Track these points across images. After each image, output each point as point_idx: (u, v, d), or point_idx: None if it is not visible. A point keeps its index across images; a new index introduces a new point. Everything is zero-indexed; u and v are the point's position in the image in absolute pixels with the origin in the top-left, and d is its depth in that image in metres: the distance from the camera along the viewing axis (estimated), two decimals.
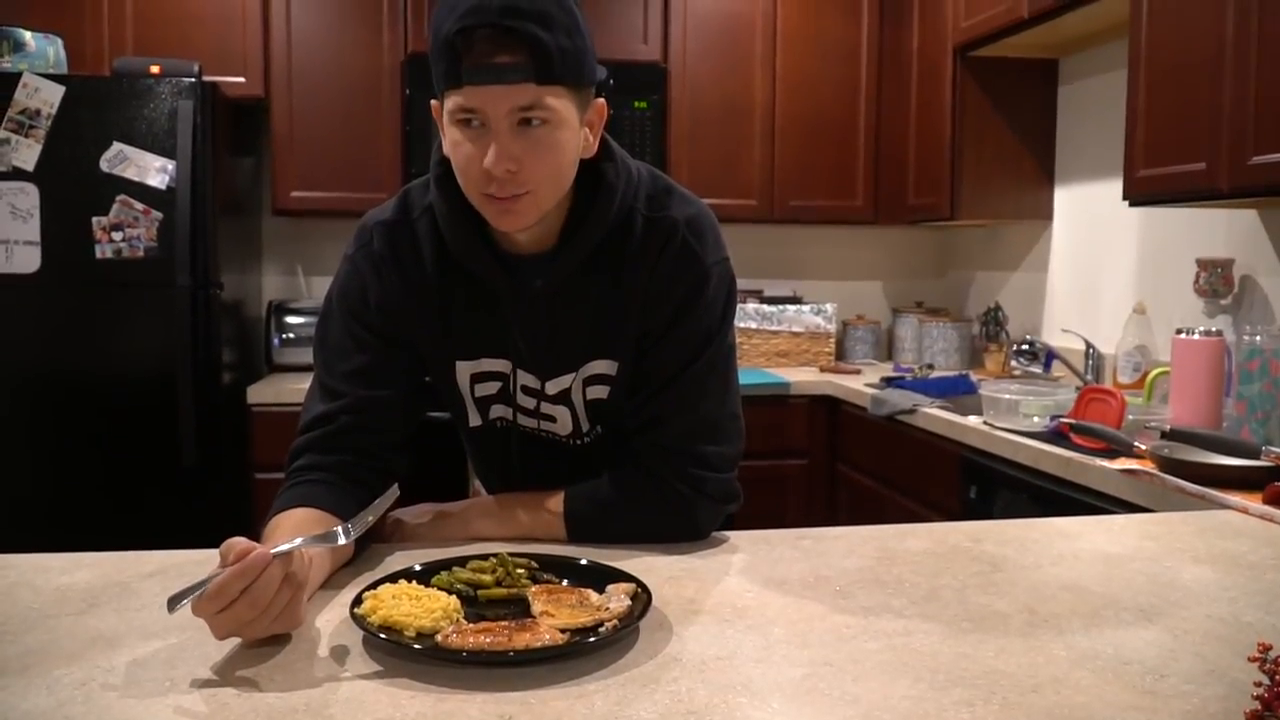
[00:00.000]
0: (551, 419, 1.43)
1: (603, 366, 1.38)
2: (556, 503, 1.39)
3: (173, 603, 0.95)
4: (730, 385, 1.43)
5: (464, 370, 1.40)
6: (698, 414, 1.38)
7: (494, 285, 1.33)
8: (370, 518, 1.15)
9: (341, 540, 1.10)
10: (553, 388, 1.39)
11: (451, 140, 1.22)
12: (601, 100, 1.29)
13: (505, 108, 1.17)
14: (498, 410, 1.44)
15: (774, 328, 4.08)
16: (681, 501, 1.37)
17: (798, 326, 4.10)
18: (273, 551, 0.98)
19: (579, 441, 1.45)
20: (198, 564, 1.26)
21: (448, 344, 1.39)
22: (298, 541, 1.03)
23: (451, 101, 1.19)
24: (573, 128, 1.23)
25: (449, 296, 1.36)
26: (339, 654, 0.98)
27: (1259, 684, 0.86)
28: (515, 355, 1.38)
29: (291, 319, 3.74)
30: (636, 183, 1.36)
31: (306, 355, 3.64)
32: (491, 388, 1.41)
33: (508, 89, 1.16)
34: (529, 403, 1.42)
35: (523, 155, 1.19)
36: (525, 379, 1.40)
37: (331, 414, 1.35)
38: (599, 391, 1.40)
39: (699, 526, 1.39)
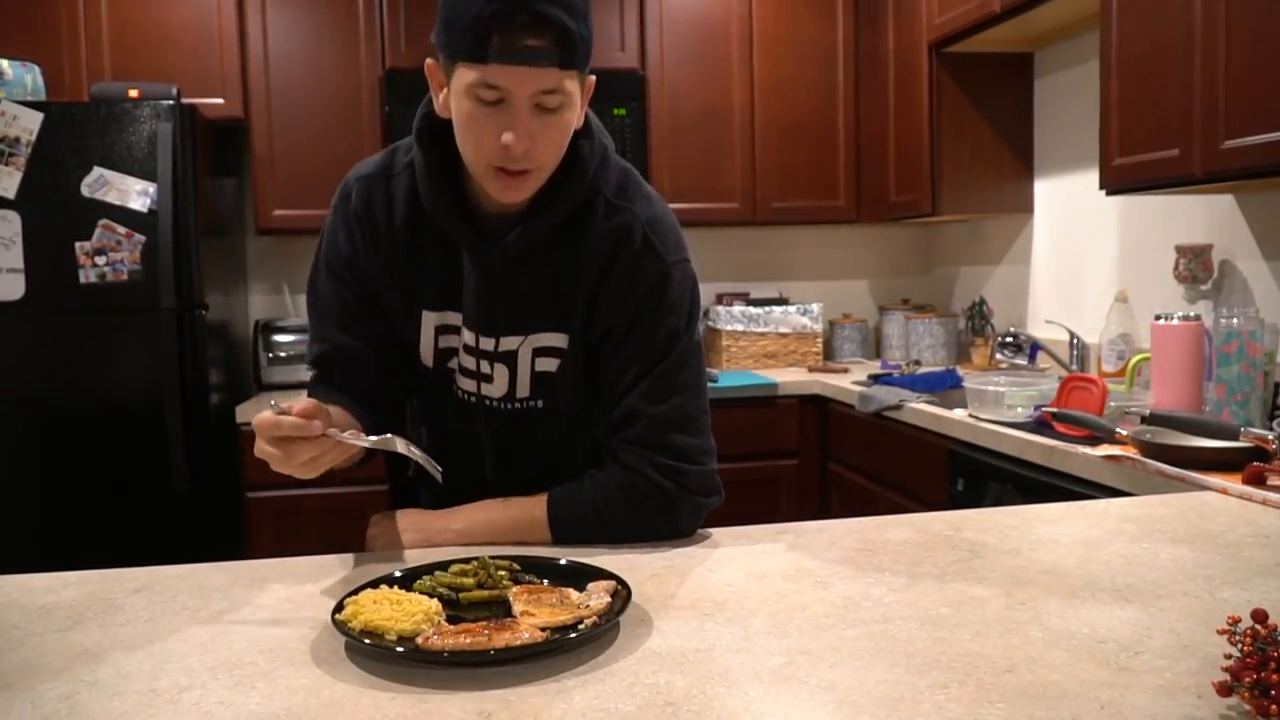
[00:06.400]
0: (489, 379, 1.46)
1: (553, 339, 1.43)
2: (540, 507, 1.40)
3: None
4: (700, 382, 1.45)
5: (429, 320, 1.46)
6: (670, 408, 1.40)
7: (460, 242, 1.39)
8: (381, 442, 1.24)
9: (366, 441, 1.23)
10: (498, 346, 1.43)
11: (464, 112, 1.26)
12: (593, 77, 1.34)
13: (529, 89, 1.23)
14: (454, 363, 1.49)
15: (761, 329, 4.09)
16: (662, 494, 1.38)
17: (784, 327, 4.11)
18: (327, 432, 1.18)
19: (510, 405, 1.47)
20: (182, 579, 1.27)
21: (415, 294, 1.45)
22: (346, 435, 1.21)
23: (473, 75, 1.23)
24: (577, 108, 1.30)
25: (419, 251, 1.42)
26: (321, 660, 0.99)
27: (1229, 655, 0.87)
28: (467, 313, 1.43)
29: (279, 337, 3.75)
30: (610, 164, 1.42)
31: (296, 373, 3.66)
32: (454, 341, 1.47)
33: (534, 71, 1.22)
34: (470, 362, 1.46)
35: (538, 134, 1.26)
36: (468, 337, 1.44)
37: (320, 358, 1.48)
38: (548, 364, 1.44)
39: (680, 521, 1.40)
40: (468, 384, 1.49)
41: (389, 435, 1.25)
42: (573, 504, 1.40)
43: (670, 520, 1.40)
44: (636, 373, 1.40)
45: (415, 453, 1.25)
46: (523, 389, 1.46)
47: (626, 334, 1.40)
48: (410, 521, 1.44)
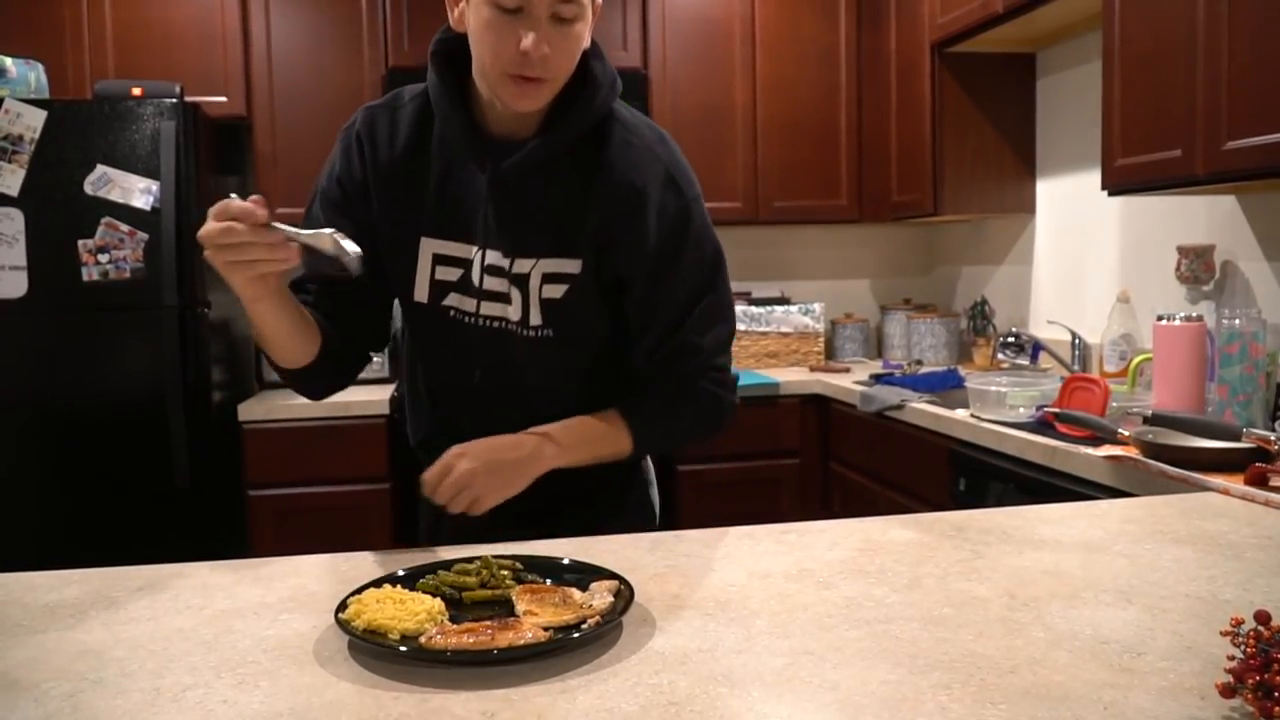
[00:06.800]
0: (507, 299, 1.47)
1: (564, 265, 1.44)
2: (617, 424, 1.48)
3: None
4: (731, 310, 1.56)
5: (427, 248, 1.47)
6: (714, 336, 1.52)
7: (473, 159, 1.42)
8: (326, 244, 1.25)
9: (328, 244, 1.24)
10: (512, 267, 1.45)
11: (483, 19, 1.31)
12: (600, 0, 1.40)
13: None
14: (453, 300, 1.49)
15: (763, 329, 4.09)
16: (717, 403, 1.55)
17: (786, 327, 4.11)
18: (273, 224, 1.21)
19: (527, 332, 1.48)
20: (185, 577, 1.27)
21: (414, 220, 1.46)
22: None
23: None
24: (589, 21, 1.36)
25: (421, 175, 1.45)
26: (324, 659, 0.99)
27: (1231, 657, 0.87)
28: (482, 234, 1.44)
29: None
30: (617, 93, 1.46)
31: None
32: (452, 274, 1.47)
33: None
34: (491, 283, 1.46)
35: (554, 42, 1.31)
36: (491, 257, 1.45)
37: (298, 280, 1.51)
38: (554, 291, 1.45)
39: (725, 421, 1.58)
40: (486, 308, 1.48)
41: (324, 231, 1.26)
42: (648, 419, 1.51)
43: (720, 423, 1.57)
44: (682, 306, 1.48)
45: (344, 245, 1.25)
46: (535, 316, 1.47)
47: (661, 271, 1.46)
48: (505, 453, 1.40)
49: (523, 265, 1.44)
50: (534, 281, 1.45)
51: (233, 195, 1.22)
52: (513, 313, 1.47)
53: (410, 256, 1.47)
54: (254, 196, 1.22)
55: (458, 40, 1.42)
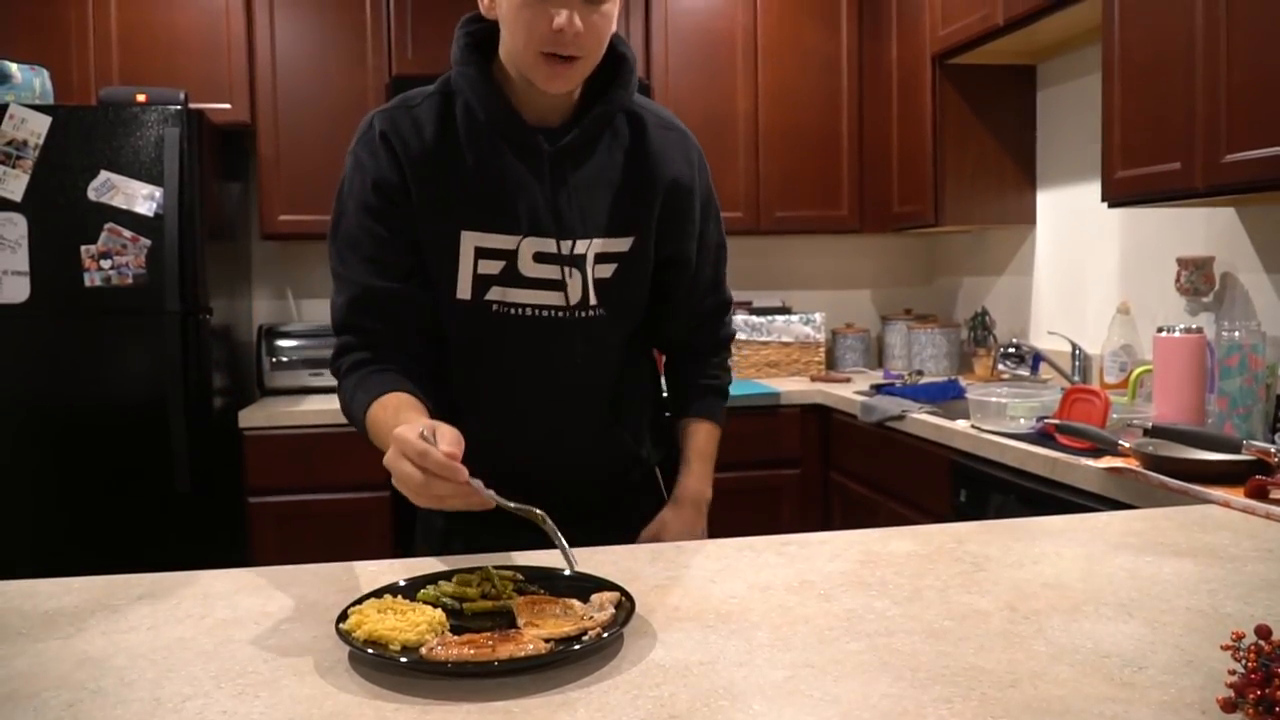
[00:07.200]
0: (557, 285, 1.47)
1: (617, 244, 1.50)
2: (704, 427, 1.67)
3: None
4: None
5: (469, 241, 1.45)
6: (726, 278, 1.70)
7: (517, 144, 1.44)
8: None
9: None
10: (573, 249, 1.47)
11: (518, 1, 1.34)
12: None
13: None
14: (495, 294, 1.47)
15: (764, 338, 4.09)
16: (731, 337, 1.73)
17: (787, 337, 4.11)
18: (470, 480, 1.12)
19: (582, 314, 1.50)
20: (185, 586, 1.27)
21: (452, 214, 1.44)
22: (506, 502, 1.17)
23: None
24: (617, 2, 1.40)
25: (453, 166, 1.44)
26: (324, 670, 0.99)
27: (1233, 671, 0.87)
28: (527, 222, 1.44)
29: (282, 342, 3.75)
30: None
31: (298, 378, 3.67)
32: (494, 266, 1.46)
33: None
34: (540, 270, 1.46)
35: (587, 22, 1.35)
36: (539, 244, 1.45)
37: (356, 312, 1.45)
38: (606, 270, 1.50)
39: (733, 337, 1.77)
40: (531, 296, 1.47)
41: (531, 507, 1.17)
42: (717, 401, 1.69)
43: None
44: (714, 267, 1.65)
45: (551, 528, 1.16)
46: (593, 296, 1.49)
47: (702, 240, 1.61)
48: (694, 526, 1.62)
49: (579, 246, 1.46)
50: (589, 262, 1.47)
51: (422, 432, 1.12)
52: (569, 296, 1.48)
53: (452, 253, 1.45)
54: (447, 446, 1.12)
55: (482, 32, 1.45)
